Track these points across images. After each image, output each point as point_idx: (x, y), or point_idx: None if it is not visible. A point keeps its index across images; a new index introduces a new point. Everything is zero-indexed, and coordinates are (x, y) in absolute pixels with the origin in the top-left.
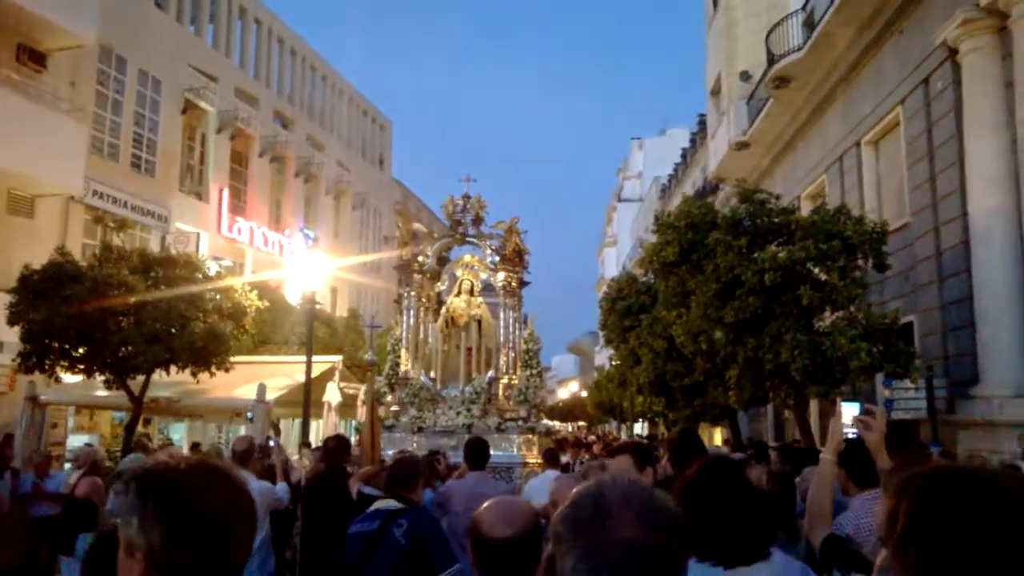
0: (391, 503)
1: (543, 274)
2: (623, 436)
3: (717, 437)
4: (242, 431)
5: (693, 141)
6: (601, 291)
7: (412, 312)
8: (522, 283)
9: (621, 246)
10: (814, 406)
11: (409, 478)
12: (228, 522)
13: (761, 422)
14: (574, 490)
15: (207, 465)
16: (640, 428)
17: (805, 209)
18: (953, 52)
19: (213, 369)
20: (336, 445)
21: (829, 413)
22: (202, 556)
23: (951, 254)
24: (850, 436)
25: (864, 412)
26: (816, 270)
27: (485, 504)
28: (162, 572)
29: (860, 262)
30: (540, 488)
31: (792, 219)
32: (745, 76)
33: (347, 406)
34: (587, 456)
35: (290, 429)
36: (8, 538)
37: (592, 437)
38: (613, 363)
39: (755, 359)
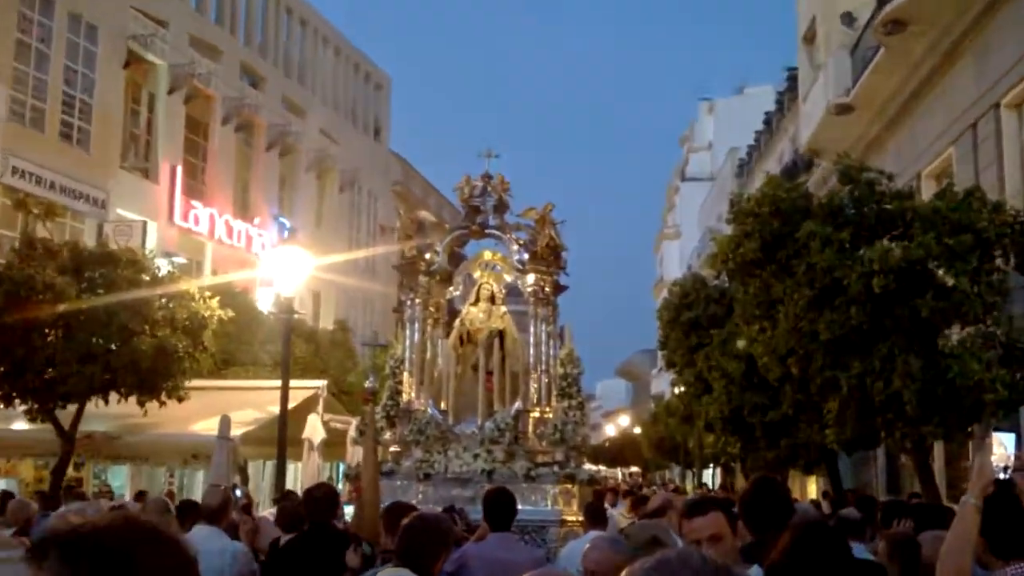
0: None
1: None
2: (688, 486)
3: (811, 489)
4: (200, 478)
5: (780, 103)
6: (660, 297)
7: (416, 325)
8: (558, 288)
9: (685, 239)
10: (939, 449)
11: (432, 544)
12: None
13: (869, 469)
14: (627, 571)
15: (145, 528)
16: (711, 476)
17: (926, 192)
18: None
19: (163, 397)
20: (324, 496)
21: (958, 457)
22: None
23: None
24: (1002, 477)
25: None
26: (940, 272)
27: None
28: None
29: (998, 262)
30: (581, 553)
31: (909, 206)
32: (849, 19)
33: (334, 445)
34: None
35: (260, 474)
36: None
37: (651, 488)
38: (675, 391)
39: (861, 388)
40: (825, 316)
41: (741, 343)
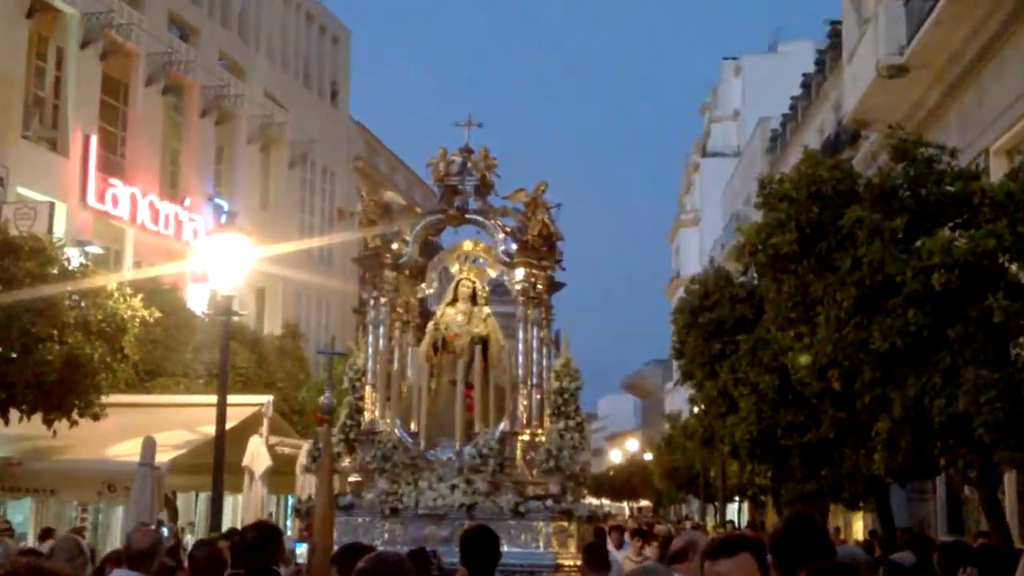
0: None
1: (585, 271)
2: (710, 523)
3: (857, 527)
4: (119, 514)
5: (820, 63)
6: (675, 297)
7: (382, 329)
8: (553, 285)
9: (706, 226)
10: (1010, 480)
11: None
12: None
13: (926, 504)
14: None
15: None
16: (736, 511)
17: (997, 171)
18: None
19: (74, 415)
20: (256, 539)
21: None
22: None
23: None
24: None
25: None
26: (1014, 268)
27: None
28: None
29: None
30: None
31: (976, 187)
32: None
33: (281, 474)
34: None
35: (192, 508)
36: None
37: (663, 526)
38: (694, 409)
39: (917, 406)
40: (875, 321)
41: (780, 352)
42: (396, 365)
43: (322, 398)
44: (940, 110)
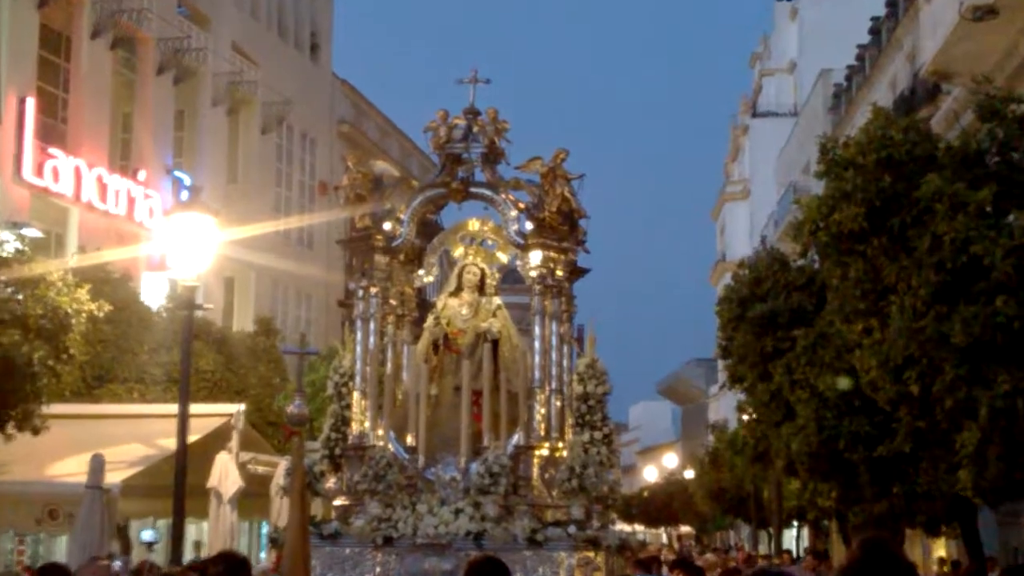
0: None
1: (613, 255)
2: (763, 552)
3: (938, 555)
4: (62, 545)
5: (892, 5)
6: (720, 284)
7: (372, 325)
8: (575, 271)
9: (757, 200)
10: None
11: None
12: None
13: (1021, 529)
14: None
15: None
16: (794, 538)
17: None
18: None
19: (10, 428)
20: (222, 573)
21: None
22: None
23: None
24: None
25: None
26: None
27: None
28: None
29: None
30: None
31: None
32: None
33: (255, 496)
34: None
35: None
36: None
37: (710, 556)
38: (744, 418)
39: (1010, 412)
40: (959, 310)
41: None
42: (389, 367)
43: (291, 406)
44: None
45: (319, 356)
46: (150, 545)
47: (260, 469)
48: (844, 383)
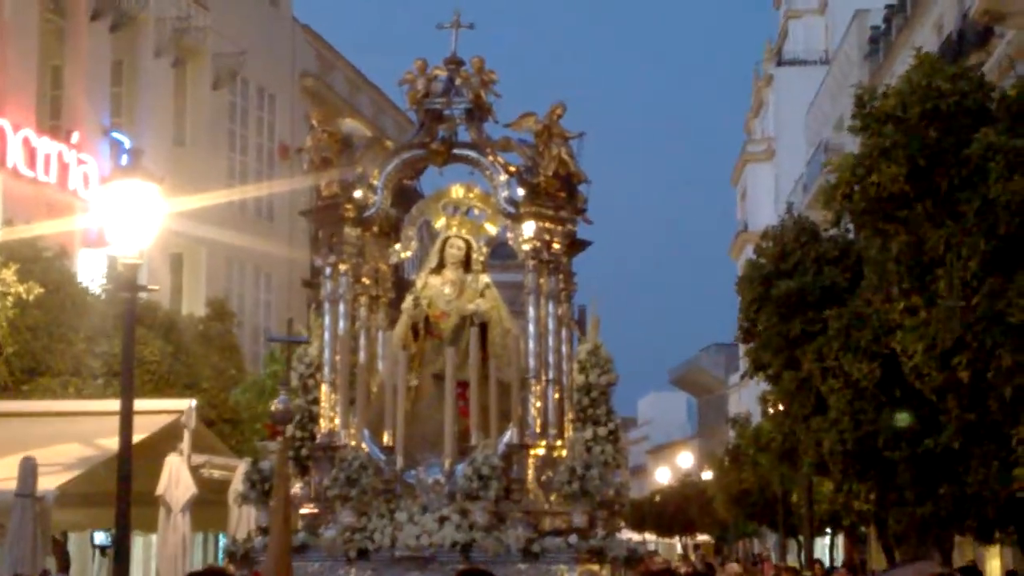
0: None
1: (619, 226)
2: (792, 563)
3: (992, 565)
4: None
5: None
6: (741, 258)
7: (342, 307)
8: (575, 244)
9: (783, 160)
10: None
11: None
12: None
13: None
14: None
15: None
16: (827, 547)
17: None
18: None
19: None
20: None
21: None
22: None
23: None
24: None
25: None
26: None
27: None
28: None
29: None
30: None
31: None
32: None
33: (210, 505)
34: None
35: (88, 554)
36: None
37: (734, 566)
38: (769, 411)
39: None
40: (1015, 284)
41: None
42: (363, 356)
43: (276, 401)
44: None
45: (284, 343)
46: (103, 550)
47: (216, 474)
48: (904, 419)
